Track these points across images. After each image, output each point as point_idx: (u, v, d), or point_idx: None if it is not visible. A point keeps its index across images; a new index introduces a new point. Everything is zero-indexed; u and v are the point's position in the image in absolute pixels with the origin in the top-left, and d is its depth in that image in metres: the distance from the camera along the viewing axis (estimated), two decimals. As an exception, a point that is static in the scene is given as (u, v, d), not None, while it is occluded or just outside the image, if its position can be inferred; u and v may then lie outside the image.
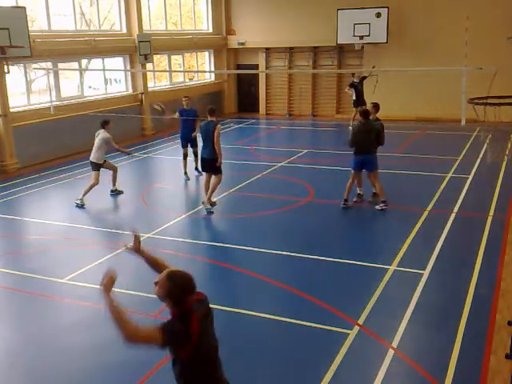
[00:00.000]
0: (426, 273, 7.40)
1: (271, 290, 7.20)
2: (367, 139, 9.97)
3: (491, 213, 9.80)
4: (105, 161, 11.26)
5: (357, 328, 6.05)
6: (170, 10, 21.86)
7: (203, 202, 10.34)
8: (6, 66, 13.67)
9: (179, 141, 13.17)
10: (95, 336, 6.08)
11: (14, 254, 8.79)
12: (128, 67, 18.78)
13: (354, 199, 10.59)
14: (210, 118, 10.16)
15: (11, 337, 6.38)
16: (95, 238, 9.45)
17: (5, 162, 14.10)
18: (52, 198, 12.09)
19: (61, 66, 16.45)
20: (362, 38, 20.31)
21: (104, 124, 11.16)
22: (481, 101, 7.03)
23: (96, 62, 18.19)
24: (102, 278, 3.32)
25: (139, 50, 18.18)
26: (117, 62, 18.80)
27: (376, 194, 10.47)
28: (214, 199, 10.43)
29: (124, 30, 18.45)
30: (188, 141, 12.69)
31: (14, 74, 14.65)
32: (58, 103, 15.72)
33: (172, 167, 14.20)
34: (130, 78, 18.86)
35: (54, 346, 6.01)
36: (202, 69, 23.79)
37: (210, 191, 10.23)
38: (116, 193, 11.67)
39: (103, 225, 10.06)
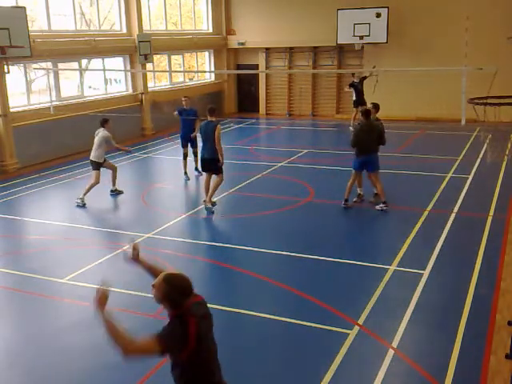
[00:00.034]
0: (426, 273, 7.40)
1: (271, 290, 7.20)
2: (369, 139, 9.96)
3: (491, 213, 9.80)
4: (105, 160, 11.27)
5: (357, 328, 6.05)
6: (170, 10, 21.86)
7: (204, 201, 10.35)
8: (6, 66, 13.66)
9: (179, 141, 13.18)
10: (95, 336, 6.06)
11: (13, 254, 8.79)
12: (128, 67, 18.78)
13: (354, 199, 10.59)
14: (209, 118, 10.16)
15: (11, 337, 6.37)
16: (95, 238, 9.44)
17: (5, 161, 14.10)
18: (52, 198, 12.09)
19: (61, 66, 16.46)
20: (362, 37, 20.31)
21: (103, 122, 11.17)
22: (481, 101, 7.03)
23: (96, 62, 18.19)
24: (95, 295, 3.27)
25: (139, 49, 18.18)
26: (117, 62, 18.81)
27: (377, 195, 10.45)
28: (213, 199, 10.43)
29: (124, 30, 18.45)
30: (188, 141, 12.69)
31: (14, 74, 14.65)
32: (57, 103, 15.72)
33: (172, 167, 14.20)
34: (130, 78, 18.86)
35: (54, 345, 6.01)
36: (201, 69, 23.79)
37: (211, 191, 10.24)
38: (116, 193, 11.67)
39: (103, 225, 10.06)
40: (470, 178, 12.19)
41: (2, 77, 13.76)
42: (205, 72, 23.76)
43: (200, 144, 10.80)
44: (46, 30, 15.52)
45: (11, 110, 14.23)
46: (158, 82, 21.16)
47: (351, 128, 18.12)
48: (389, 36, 20.06)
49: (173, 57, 21.68)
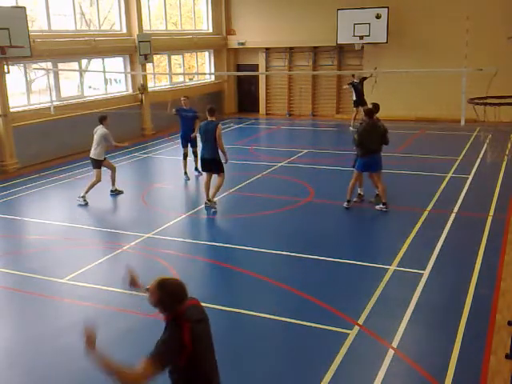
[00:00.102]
0: (426, 273, 7.40)
1: (271, 290, 7.19)
2: (373, 139, 9.93)
3: (491, 213, 9.80)
4: (105, 158, 11.28)
5: (357, 328, 6.05)
6: (170, 10, 21.86)
7: (209, 201, 10.34)
8: (6, 66, 13.66)
9: (179, 141, 13.18)
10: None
11: (13, 254, 8.79)
12: (128, 67, 18.79)
13: (355, 199, 10.58)
14: (209, 118, 10.17)
15: (11, 337, 6.38)
16: (95, 238, 9.44)
17: (5, 161, 14.10)
18: (52, 198, 12.09)
19: (61, 66, 16.46)
20: (361, 38, 20.32)
21: (102, 119, 11.18)
22: (481, 101, 7.03)
23: (96, 62, 18.19)
24: (83, 338, 3.20)
25: (139, 49, 18.19)
26: (117, 62, 18.81)
27: (378, 195, 10.42)
28: (214, 199, 10.43)
29: (124, 30, 18.45)
30: (188, 140, 12.69)
31: (14, 74, 14.65)
32: (58, 103, 15.71)
33: (172, 167, 14.20)
34: (129, 78, 18.88)
35: (54, 345, 6.01)
36: (202, 68, 23.79)
37: (214, 190, 10.27)
38: (116, 193, 11.67)
39: (103, 225, 10.05)
40: (470, 178, 12.19)
41: (2, 77, 13.76)
42: (204, 74, 23.74)
43: (200, 144, 10.81)
44: (46, 30, 15.52)
45: (11, 110, 14.23)
46: (158, 82, 21.15)
47: (351, 128, 18.14)
48: (389, 36, 20.06)
49: (173, 57, 21.68)
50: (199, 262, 8.27)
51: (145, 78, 18.89)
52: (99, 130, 11.07)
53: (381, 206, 10.10)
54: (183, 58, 22.10)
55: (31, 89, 15.92)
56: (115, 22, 18.56)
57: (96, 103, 16.97)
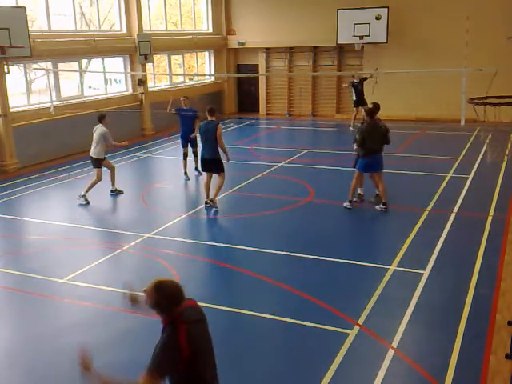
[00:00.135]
0: (426, 273, 7.40)
1: (271, 290, 7.19)
2: (375, 139, 9.92)
3: (491, 213, 9.80)
4: (105, 157, 11.28)
5: (357, 328, 6.05)
6: (170, 10, 21.86)
7: (211, 201, 10.34)
8: (6, 66, 13.66)
9: (179, 141, 13.18)
10: (95, 336, 6.09)
11: (13, 254, 8.79)
12: (128, 67, 18.79)
13: (355, 199, 10.56)
14: (209, 118, 10.18)
15: (11, 337, 6.37)
16: (95, 238, 9.44)
17: (5, 161, 14.10)
18: (52, 198, 12.09)
19: (61, 66, 16.45)
20: (361, 38, 20.32)
21: (101, 118, 11.19)
22: (481, 101, 7.03)
23: (96, 62, 18.19)
24: (79, 362, 3.21)
25: (139, 49, 18.18)
26: (117, 62, 18.81)
27: (378, 196, 10.41)
28: (215, 199, 10.43)
29: (124, 30, 18.45)
30: (188, 140, 12.70)
31: (14, 74, 14.65)
32: (58, 103, 15.71)
33: (172, 167, 14.20)
34: (129, 78, 18.87)
35: (54, 346, 6.01)
36: (202, 69, 23.77)
37: (215, 191, 10.28)
38: (116, 193, 11.67)
39: (103, 225, 10.06)
40: (470, 177, 12.19)
41: (2, 77, 13.76)
42: (204, 75, 23.72)
43: (200, 144, 10.81)
44: (46, 30, 15.52)
45: (11, 110, 14.23)
46: (158, 82, 21.16)
47: (351, 128, 18.15)
48: (389, 36, 20.06)
49: (173, 57, 21.68)
50: (199, 261, 8.28)
51: (145, 77, 18.89)
52: (98, 129, 11.08)
53: (381, 206, 10.10)
54: (183, 58, 22.10)
55: (31, 89, 15.92)
56: (115, 22, 18.56)
57: (96, 103, 16.98)
